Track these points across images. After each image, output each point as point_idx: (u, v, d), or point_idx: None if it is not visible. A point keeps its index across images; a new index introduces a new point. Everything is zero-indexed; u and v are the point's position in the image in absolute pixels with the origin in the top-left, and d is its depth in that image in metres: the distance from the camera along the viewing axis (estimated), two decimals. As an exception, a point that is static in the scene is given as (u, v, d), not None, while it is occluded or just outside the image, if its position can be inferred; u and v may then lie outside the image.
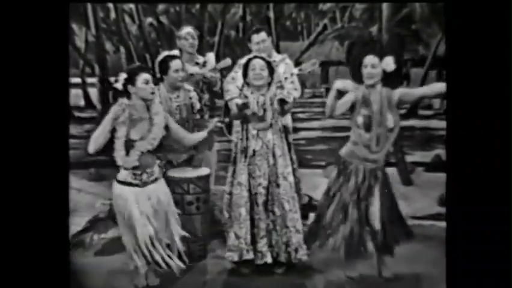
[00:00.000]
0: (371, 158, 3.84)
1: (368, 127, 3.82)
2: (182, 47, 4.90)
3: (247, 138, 4.09)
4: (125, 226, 3.69)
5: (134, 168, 3.63)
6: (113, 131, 3.61)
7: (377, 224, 3.82)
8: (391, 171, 7.25)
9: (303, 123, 14.45)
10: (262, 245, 4.01)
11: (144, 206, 3.66)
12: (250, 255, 4.02)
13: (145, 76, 3.61)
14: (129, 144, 3.61)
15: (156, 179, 3.75)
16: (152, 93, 3.66)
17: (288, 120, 4.74)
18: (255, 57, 4.11)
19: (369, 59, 3.80)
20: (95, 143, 3.59)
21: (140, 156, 3.62)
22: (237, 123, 4.44)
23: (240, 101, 4.05)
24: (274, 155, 4.07)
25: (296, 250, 4.04)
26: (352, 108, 3.86)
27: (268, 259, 4.00)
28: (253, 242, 4.05)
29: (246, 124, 4.12)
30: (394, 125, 3.82)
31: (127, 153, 3.62)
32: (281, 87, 4.47)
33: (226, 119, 4.53)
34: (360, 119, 3.83)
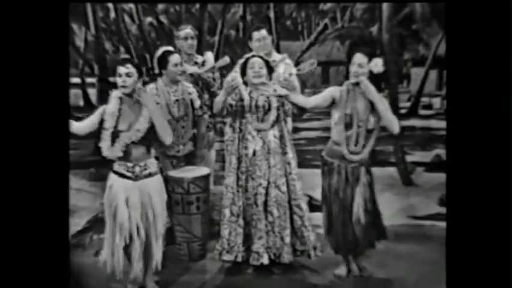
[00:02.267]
0: (351, 158, 3.84)
1: (348, 125, 3.82)
2: (181, 47, 4.90)
3: (240, 140, 4.09)
4: (110, 217, 3.62)
5: (127, 160, 3.58)
6: (101, 122, 3.59)
7: (356, 222, 3.84)
8: (389, 171, 7.33)
9: (303, 123, 14.44)
10: (259, 246, 4.01)
11: (133, 200, 3.59)
12: (228, 257, 4.06)
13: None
14: (115, 135, 3.57)
15: (150, 174, 3.65)
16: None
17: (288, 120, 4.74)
18: (253, 56, 4.12)
19: (358, 58, 3.80)
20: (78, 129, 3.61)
21: (129, 147, 3.56)
22: (227, 126, 4.43)
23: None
24: (286, 156, 4.11)
25: (315, 248, 4.10)
26: (332, 105, 3.90)
27: (265, 260, 4.00)
28: (250, 242, 4.05)
29: (240, 125, 4.11)
30: (374, 127, 3.83)
31: (113, 143, 3.56)
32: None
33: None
34: (341, 117, 3.84)
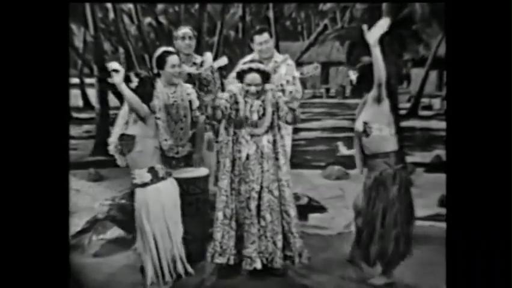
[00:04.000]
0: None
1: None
2: (179, 47, 4.89)
3: (234, 143, 4.08)
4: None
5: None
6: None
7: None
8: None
9: (303, 123, 14.43)
10: (252, 250, 4.00)
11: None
12: (221, 260, 4.05)
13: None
14: None
15: (145, 184, 3.64)
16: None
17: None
18: (251, 69, 4.04)
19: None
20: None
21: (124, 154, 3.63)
22: (222, 128, 4.43)
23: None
24: (278, 162, 4.08)
25: (300, 255, 4.07)
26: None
27: (258, 265, 3.99)
28: (241, 247, 4.05)
29: (234, 129, 4.10)
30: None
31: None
32: (282, 90, 4.47)
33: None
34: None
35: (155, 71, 4.41)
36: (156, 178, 3.64)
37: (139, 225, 3.67)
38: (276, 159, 4.09)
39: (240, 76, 4.09)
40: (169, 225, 3.67)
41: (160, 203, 3.63)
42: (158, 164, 3.68)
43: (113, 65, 3.44)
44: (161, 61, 4.34)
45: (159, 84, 4.38)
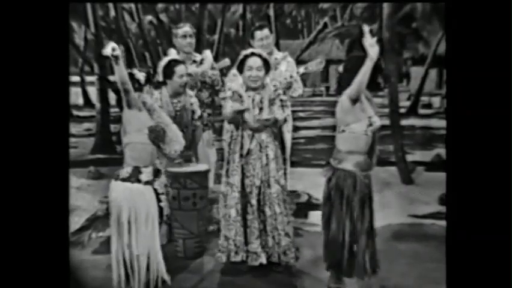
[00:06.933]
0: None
1: None
2: (179, 46, 4.89)
3: (242, 137, 4.07)
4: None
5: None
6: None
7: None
8: (389, 170, 7.32)
9: (303, 121, 14.45)
10: (257, 246, 3.99)
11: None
12: (237, 258, 4.01)
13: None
14: None
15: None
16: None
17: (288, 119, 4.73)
18: (253, 54, 4.03)
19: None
20: None
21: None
22: (228, 126, 4.42)
23: (237, 107, 3.97)
24: (267, 157, 4.05)
25: (285, 253, 4.03)
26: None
27: (263, 260, 3.98)
28: (246, 243, 4.03)
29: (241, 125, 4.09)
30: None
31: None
32: (290, 82, 4.50)
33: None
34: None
35: (161, 79, 4.36)
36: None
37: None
38: (266, 154, 4.06)
39: (241, 68, 4.05)
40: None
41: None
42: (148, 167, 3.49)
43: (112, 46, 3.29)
44: (169, 71, 4.32)
45: (164, 93, 4.36)
